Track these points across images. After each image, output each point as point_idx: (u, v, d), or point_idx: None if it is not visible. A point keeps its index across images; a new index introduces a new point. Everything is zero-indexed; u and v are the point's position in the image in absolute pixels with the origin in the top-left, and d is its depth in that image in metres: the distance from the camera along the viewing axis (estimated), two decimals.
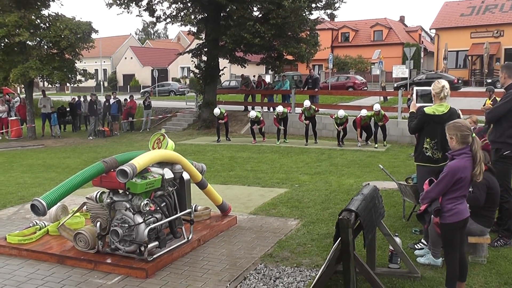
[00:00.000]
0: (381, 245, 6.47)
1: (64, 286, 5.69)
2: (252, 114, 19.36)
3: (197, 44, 26.72)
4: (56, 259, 6.48)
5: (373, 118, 17.61)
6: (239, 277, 5.79)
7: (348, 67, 55.23)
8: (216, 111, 19.86)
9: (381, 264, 5.94)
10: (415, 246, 6.53)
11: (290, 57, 25.55)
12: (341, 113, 17.83)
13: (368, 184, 6.03)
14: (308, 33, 24.98)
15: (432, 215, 4.97)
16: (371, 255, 5.69)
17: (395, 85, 36.58)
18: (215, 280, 5.72)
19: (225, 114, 19.98)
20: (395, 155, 15.27)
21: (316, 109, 19.20)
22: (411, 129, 6.49)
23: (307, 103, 18.35)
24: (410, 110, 6.65)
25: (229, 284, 5.60)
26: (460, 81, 36.46)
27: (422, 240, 6.51)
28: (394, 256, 5.85)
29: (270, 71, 34.75)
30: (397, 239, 5.81)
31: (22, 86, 28.74)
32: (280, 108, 19.02)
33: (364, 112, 17.43)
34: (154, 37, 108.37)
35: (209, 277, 5.82)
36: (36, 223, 7.52)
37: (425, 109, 6.22)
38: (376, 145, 17.42)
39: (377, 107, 17.25)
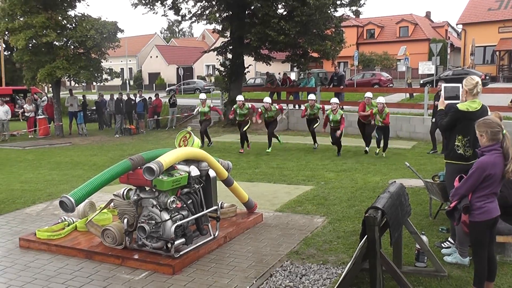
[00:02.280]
0: (408, 244, 6.43)
1: (93, 281, 5.78)
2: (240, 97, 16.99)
3: (222, 42, 26.74)
4: (84, 254, 6.58)
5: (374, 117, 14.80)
6: (265, 274, 5.81)
7: (374, 64, 54.80)
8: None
9: (407, 263, 5.91)
10: (442, 244, 6.47)
11: (315, 55, 25.42)
12: (333, 100, 15.73)
13: (395, 181, 5.99)
14: (333, 30, 24.82)
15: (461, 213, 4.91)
16: (398, 253, 5.65)
17: (421, 82, 36.13)
18: (241, 277, 5.75)
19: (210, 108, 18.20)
20: (421, 153, 15.14)
21: (322, 107, 16.74)
22: (442, 126, 6.30)
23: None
24: (439, 108, 6.49)
25: (255, 281, 5.62)
26: (487, 77, 35.90)
27: (449, 239, 6.46)
28: (420, 255, 5.81)
29: (295, 69, 34.65)
30: (424, 238, 5.76)
31: (49, 85, 29.09)
32: (267, 99, 16.73)
33: (381, 99, 14.46)
34: (179, 35, 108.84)
35: (236, 273, 5.85)
36: (65, 219, 7.65)
37: (458, 105, 6.06)
38: (377, 150, 14.68)
39: (381, 99, 14.52)
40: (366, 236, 4.70)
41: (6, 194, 10.59)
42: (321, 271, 5.83)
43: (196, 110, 18.82)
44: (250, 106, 16.59)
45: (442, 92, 6.52)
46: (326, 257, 6.30)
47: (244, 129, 16.49)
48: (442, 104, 6.42)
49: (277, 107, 16.53)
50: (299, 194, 9.89)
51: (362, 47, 59.60)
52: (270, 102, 16.48)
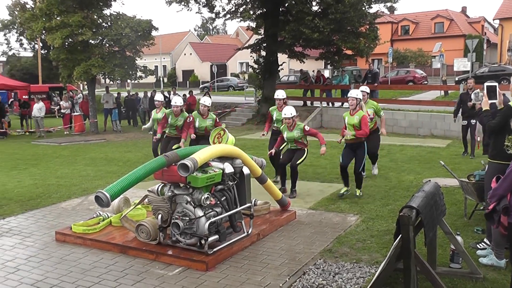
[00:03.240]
0: (442, 244, 6.35)
1: (127, 275, 5.87)
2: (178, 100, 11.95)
3: (256, 40, 26.77)
4: (119, 249, 6.68)
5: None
6: (298, 272, 5.81)
7: (408, 60, 54.23)
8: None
9: (442, 263, 5.83)
10: (478, 245, 6.37)
11: (349, 52, 25.26)
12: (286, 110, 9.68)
13: (429, 180, 5.92)
14: (368, 27, 24.62)
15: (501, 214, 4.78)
16: (432, 253, 5.59)
17: (456, 79, 35.58)
18: (274, 274, 5.76)
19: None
20: (456, 151, 14.91)
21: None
22: (492, 127, 5.93)
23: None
24: (484, 108, 6.09)
25: (288, 279, 5.62)
26: None
27: (485, 240, 6.35)
28: (455, 256, 5.72)
29: (329, 66, 34.49)
30: (459, 238, 5.69)
31: (85, 83, 29.53)
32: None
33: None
34: (213, 32, 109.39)
35: (269, 271, 5.86)
36: (99, 214, 7.79)
37: (510, 103, 5.89)
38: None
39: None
40: (400, 235, 4.67)
41: (42, 188, 10.81)
42: (354, 270, 5.80)
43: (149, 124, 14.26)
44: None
45: (485, 92, 6.23)
46: (360, 255, 6.28)
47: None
48: (486, 104, 6.03)
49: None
50: (332, 192, 9.86)
51: (397, 43, 59.05)
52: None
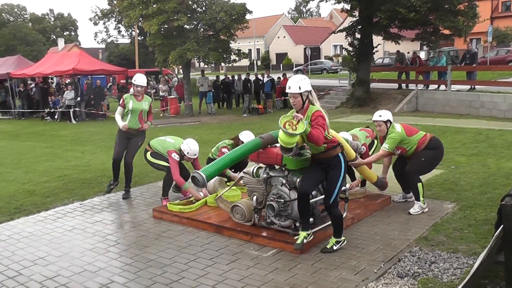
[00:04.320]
0: None
1: (222, 255, 6.01)
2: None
3: (350, 22, 26.32)
4: (214, 228, 6.85)
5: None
6: (393, 259, 5.73)
7: (509, 39, 51.47)
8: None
9: None
10: None
11: (446, 32, 24.29)
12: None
13: None
14: (466, 4, 23.46)
15: None
16: None
17: None
18: (369, 259, 5.71)
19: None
20: None
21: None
22: None
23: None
24: None
25: (383, 265, 5.56)
26: None
27: None
28: None
29: (424, 48, 33.42)
30: None
31: (180, 67, 30.30)
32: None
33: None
34: (307, 15, 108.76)
35: (363, 256, 5.82)
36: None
37: None
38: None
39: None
40: (502, 226, 4.48)
41: (140, 168, 11.18)
42: (451, 260, 5.62)
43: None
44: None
45: None
46: (456, 245, 6.07)
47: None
48: None
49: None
50: (428, 177, 9.56)
51: (497, 21, 56.09)
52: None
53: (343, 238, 6.05)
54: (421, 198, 7.41)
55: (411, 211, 7.37)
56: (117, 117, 8.79)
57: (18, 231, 7.25)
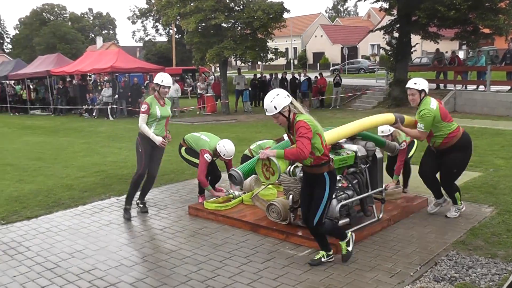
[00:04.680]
0: None
1: (257, 253, 5.98)
2: None
3: (388, 21, 26.03)
4: (250, 227, 6.83)
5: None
6: (430, 262, 5.60)
7: None
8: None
9: None
10: None
11: (486, 31, 23.73)
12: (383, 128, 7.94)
13: None
14: (508, 2, 22.83)
15: None
16: None
17: None
18: (405, 262, 5.60)
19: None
20: None
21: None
22: None
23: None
24: None
25: (419, 268, 5.43)
26: None
27: None
28: None
29: (463, 47, 32.77)
30: None
31: (217, 65, 30.40)
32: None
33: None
34: (344, 14, 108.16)
35: (399, 258, 5.71)
36: (229, 192, 7.99)
37: None
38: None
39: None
40: None
41: (176, 165, 11.26)
42: (489, 266, 5.46)
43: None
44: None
45: None
46: (495, 250, 5.89)
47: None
48: None
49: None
50: (466, 180, 9.34)
51: None
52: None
53: (332, 252, 5.65)
54: (459, 202, 7.21)
55: (448, 214, 7.18)
56: (145, 128, 7.49)
57: (56, 224, 7.37)
